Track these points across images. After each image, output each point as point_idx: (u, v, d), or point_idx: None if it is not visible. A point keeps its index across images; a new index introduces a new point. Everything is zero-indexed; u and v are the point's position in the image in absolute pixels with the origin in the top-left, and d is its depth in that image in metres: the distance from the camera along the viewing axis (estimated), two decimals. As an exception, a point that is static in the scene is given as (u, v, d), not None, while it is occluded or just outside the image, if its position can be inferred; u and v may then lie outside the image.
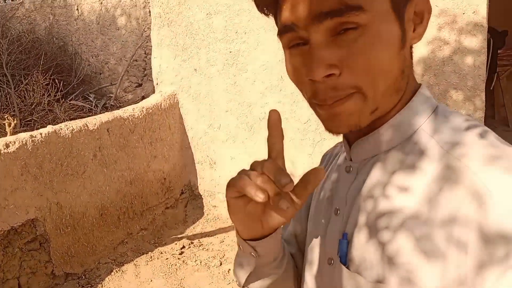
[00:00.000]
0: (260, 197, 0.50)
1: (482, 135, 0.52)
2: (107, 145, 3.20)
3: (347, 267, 0.57)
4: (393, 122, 0.57)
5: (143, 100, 3.76)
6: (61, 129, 2.87)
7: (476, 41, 2.80)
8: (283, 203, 0.51)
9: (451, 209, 0.48)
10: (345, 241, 0.58)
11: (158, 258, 3.27)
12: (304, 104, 3.29)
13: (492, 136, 0.52)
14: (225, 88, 3.72)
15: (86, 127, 3.03)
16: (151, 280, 3.02)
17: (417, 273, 0.48)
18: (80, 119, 3.09)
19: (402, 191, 0.53)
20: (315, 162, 3.45)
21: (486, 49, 2.84)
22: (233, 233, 3.65)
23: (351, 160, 0.63)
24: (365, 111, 0.53)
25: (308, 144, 3.47)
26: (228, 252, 3.34)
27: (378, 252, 0.53)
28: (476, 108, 2.88)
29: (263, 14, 0.59)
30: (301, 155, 3.50)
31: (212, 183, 4.01)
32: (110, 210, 3.24)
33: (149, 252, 3.35)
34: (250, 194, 0.51)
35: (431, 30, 2.88)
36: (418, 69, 2.97)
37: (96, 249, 3.12)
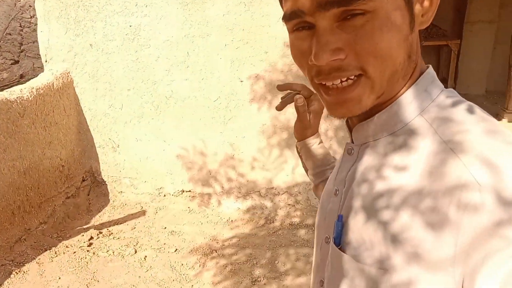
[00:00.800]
0: (299, 101, 0.87)
1: (469, 111, 0.53)
2: (-7, 133, 2.79)
3: (341, 249, 0.58)
4: (394, 107, 0.57)
5: (32, 80, 3.33)
6: None
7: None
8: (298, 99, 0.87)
9: (455, 176, 0.47)
10: (340, 223, 0.59)
11: (64, 253, 3.00)
12: (213, 81, 3.22)
13: (479, 110, 0.54)
14: (126, 65, 3.47)
15: (-35, 113, 2.60)
16: (59, 278, 2.76)
17: (425, 245, 0.48)
18: (-45, 104, 2.64)
19: (400, 170, 0.54)
20: (227, 141, 3.44)
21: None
22: (144, 219, 3.51)
23: (352, 142, 0.64)
24: (372, 96, 0.54)
25: (219, 122, 3.43)
26: (142, 239, 3.20)
27: (379, 233, 0.53)
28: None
29: None
30: (212, 133, 3.46)
31: (117, 168, 3.77)
32: (2, 205, 2.86)
33: (53, 248, 3.05)
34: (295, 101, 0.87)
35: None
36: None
37: (-11, 251, 2.75)
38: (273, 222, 3.40)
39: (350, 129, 0.64)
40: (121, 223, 3.43)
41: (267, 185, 3.48)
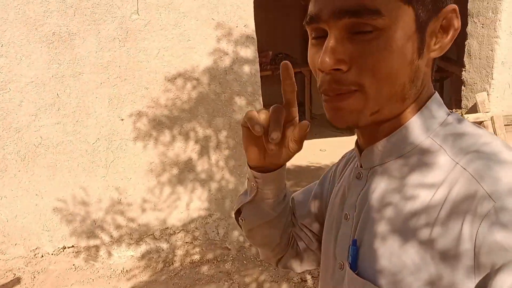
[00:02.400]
0: (256, 131, 0.61)
1: (475, 130, 0.56)
2: None
3: (357, 274, 0.58)
4: (401, 132, 0.58)
5: None
6: None
7: (250, 52, 3.15)
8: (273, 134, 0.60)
9: (472, 191, 0.49)
10: (355, 247, 0.59)
11: None
12: (90, 122, 3.02)
13: (484, 130, 0.56)
14: (-20, 114, 3.00)
15: None
16: None
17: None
18: None
19: (426, 188, 0.54)
20: (111, 185, 3.19)
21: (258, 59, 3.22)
22: None
23: (361, 166, 0.64)
24: (365, 111, 0.55)
25: (101, 166, 3.17)
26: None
27: (424, 253, 0.51)
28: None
29: (303, 2, 0.60)
30: (93, 179, 3.17)
31: (-24, 233, 3.18)
32: None
33: None
34: (251, 126, 0.62)
35: (212, 41, 3.07)
36: (204, 79, 3.13)
37: None
38: (172, 264, 3.22)
39: (360, 153, 0.64)
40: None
41: (161, 226, 3.30)
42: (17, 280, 3.08)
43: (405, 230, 0.54)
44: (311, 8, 0.55)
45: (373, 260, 0.56)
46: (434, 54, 0.56)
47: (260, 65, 6.46)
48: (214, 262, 3.18)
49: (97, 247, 3.28)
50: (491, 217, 0.46)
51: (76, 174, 3.17)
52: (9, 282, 3.07)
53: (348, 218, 0.63)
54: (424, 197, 0.53)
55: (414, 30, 0.53)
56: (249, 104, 3.22)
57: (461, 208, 0.49)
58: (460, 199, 0.49)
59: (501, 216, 0.45)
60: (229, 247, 3.33)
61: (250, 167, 0.73)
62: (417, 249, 0.52)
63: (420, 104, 0.58)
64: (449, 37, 0.56)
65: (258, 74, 3.21)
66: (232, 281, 2.97)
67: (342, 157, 0.81)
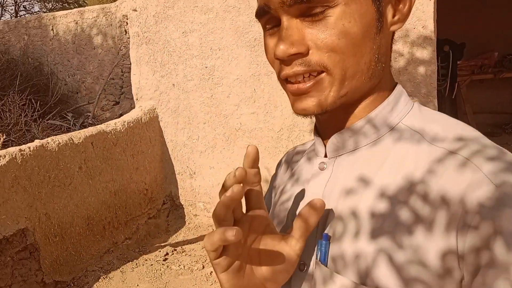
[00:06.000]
0: (232, 235, 0.45)
1: (443, 115, 0.56)
2: (92, 158, 3.36)
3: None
4: (372, 116, 0.56)
5: (125, 115, 3.94)
6: (48, 143, 3.03)
7: (427, 53, 3.13)
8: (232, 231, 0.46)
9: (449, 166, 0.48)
10: (326, 242, 0.54)
11: (143, 265, 3.43)
12: (277, 113, 3.57)
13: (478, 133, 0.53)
14: (202, 101, 3.95)
15: (71, 141, 3.19)
16: (137, 285, 3.17)
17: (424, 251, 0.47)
18: (65, 134, 3.25)
19: (390, 186, 0.51)
20: (289, 168, 3.70)
21: (439, 60, 3.17)
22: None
23: (325, 156, 0.60)
24: (333, 94, 0.53)
25: (282, 152, 3.71)
26: (210, 256, 3.53)
27: (372, 245, 0.49)
28: (431, 112, 3.19)
29: None
30: (275, 162, 3.74)
31: (193, 193, 4.20)
32: (95, 220, 3.39)
33: (134, 260, 3.50)
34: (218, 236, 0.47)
35: (388, 43, 3.19)
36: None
37: (83, 257, 3.26)
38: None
39: (323, 141, 0.61)
40: (193, 243, 3.79)
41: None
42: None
43: (363, 223, 0.51)
44: (260, 0, 0.55)
45: (347, 257, 0.51)
46: (395, 27, 0.55)
47: (481, 67, 5.98)
48: None
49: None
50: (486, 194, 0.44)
51: (263, 156, 3.80)
52: (208, 233, 3.95)
53: None
54: (402, 183, 0.51)
55: (369, 1, 0.51)
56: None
57: (452, 191, 0.46)
58: (452, 188, 0.46)
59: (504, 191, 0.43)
60: None
61: None
62: (368, 241, 0.50)
63: (386, 90, 0.57)
64: (407, 6, 0.54)
65: (435, 76, 3.15)
66: None
67: (279, 163, 0.77)
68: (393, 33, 0.57)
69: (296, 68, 0.52)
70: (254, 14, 0.56)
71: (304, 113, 0.54)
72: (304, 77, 0.52)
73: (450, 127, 0.53)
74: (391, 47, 0.58)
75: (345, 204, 0.54)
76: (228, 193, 0.47)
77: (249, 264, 0.53)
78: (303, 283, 0.56)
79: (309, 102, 0.53)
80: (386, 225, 0.49)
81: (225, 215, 0.49)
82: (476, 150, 0.48)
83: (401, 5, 0.54)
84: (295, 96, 0.54)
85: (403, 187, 0.50)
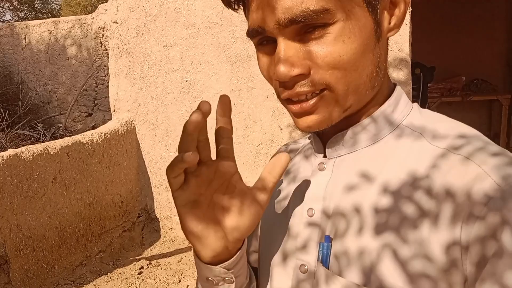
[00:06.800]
0: (188, 155, 0.46)
1: (442, 116, 0.57)
2: (67, 168, 3.29)
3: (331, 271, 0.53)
4: (375, 117, 0.56)
5: (101, 126, 3.89)
6: (22, 152, 2.95)
7: (402, 74, 3.27)
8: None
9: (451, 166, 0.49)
10: (328, 244, 0.54)
11: (117, 278, 3.35)
12: (256, 128, 3.62)
13: (476, 132, 0.53)
14: (181, 114, 3.95)
15: (46, 151, 3.12)
16: (111, 299, 3.09)
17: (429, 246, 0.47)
18: (40, 144, 3.18)
19: (392, 187, 0.52)
20: (267, 182, 3.73)
21: (416, 83, 3.31)
22: (190, 253, 3.80)
23: (324, 156, 0.60)
24: (337, 110, 0.53)
25: (261, 166, 3.75)
26: (186, 270, 3.48)
27: (377, 241, 0.50)
28: (405, 130, 3.32)
29: (231, 9, 0.57)
30: (254, 176, 3.77)
31: (168, 206, 4.15)
32: (69, 232, 3.30)
33: (108, 273, 3.41)
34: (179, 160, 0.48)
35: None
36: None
37: (55, 270, 3.16)
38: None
39: (324, 143, 0.60)
40: (169, 256, 3.74)
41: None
42: (190, 248, 3.90)
43: (366, 223, 0.52)
44: (252, 20, 0.52)
45: (351, 254, 0.51)
46: (391, 33, 0.55)
47: (450, 90, 6.24)
48: None
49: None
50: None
51: (242, 170, 3.76)
52: (184, 248, 3.90)
53: (314, 214, 0.57)
54: (405, 178, 0.51)
55: (366, 12, 0.50)
56: (397, 124, 3.33)
57: (457, 184, 0.47)
58: (457, 182, 0.47)
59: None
60: None
61: (210, 263, 0.56)
62: (374, 242, 0.50)
63: (385, 91, 0.58)
64: (401, 10, 0.54)
65: (410, 96, 3.29)
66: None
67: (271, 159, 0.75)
68: (387, 42, 0.57)
69: (299, 89, 0.51)
70: (246, 33, 0.55)
71: (309, 130, 0.54)
72: (306, 96, 0.52)
73: (451, 126, 0.54)
74: (387, 52, 0.58)
75: (348, 201, 0.54)
76: (193, 117, 0.46)
77: (211, 208, 0.55)
78: (304, 285, 0.56)
79: (314, 119, 0.53)
80: (391, 220, 0.49)
81: (188, 146, 0.48)
82: (480, 146, 0.49)
83: (396, 10, 0.54)
84: (301, 115, 0.54)
85: (407, 182, 0.50)
